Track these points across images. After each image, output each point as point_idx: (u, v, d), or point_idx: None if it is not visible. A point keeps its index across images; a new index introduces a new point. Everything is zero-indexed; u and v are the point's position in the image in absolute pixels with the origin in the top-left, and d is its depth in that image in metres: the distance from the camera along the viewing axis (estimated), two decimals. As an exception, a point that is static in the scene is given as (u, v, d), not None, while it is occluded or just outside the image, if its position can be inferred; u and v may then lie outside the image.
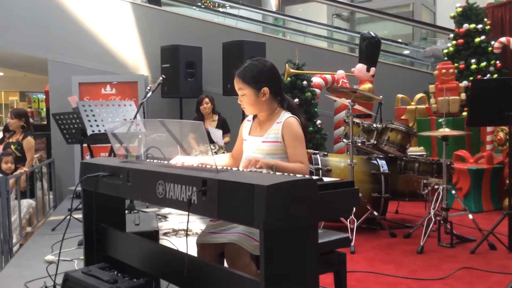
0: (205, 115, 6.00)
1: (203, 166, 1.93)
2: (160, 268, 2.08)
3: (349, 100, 4.31)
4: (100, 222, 2.41)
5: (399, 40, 10.81)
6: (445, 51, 7.17)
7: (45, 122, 9.71)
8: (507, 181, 4.12)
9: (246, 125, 2.43)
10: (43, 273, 2.91)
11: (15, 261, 3.60)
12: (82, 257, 2.51)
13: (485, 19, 6.95)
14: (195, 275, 1.80)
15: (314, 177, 1.59)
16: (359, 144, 4.61)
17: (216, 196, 1.55)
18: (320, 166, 4.46)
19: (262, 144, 2.25)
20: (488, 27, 6.88)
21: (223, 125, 6.00)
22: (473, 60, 6.71)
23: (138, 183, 1.99)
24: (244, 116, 6.38)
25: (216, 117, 6.03)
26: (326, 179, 1.65)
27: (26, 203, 5.12)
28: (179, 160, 2.10)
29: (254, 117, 2.41)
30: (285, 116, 2.25)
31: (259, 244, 1.47)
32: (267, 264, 1.44)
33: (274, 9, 12.59)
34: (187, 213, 1.64)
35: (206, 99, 5.99)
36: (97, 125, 4.12)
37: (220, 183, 1.55)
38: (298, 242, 1.50)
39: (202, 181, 1.60)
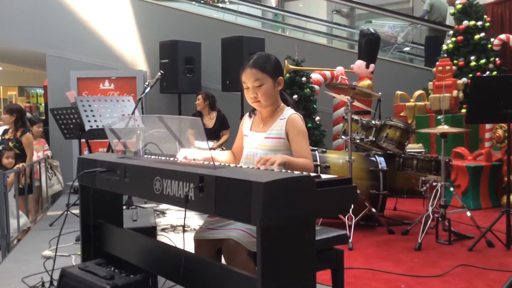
0: (202, 111, 5.99)
1: (203, 162, 1.92)
2: (157, 265, 2.08)
3: (348, 97, 4.30)
4: (97, 218, 2.41)
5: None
6: (445, 47, 7.16)
7: (44, 117, 9.70)
8: (506, 179, 4.12)
9: (246, 121, 2.40)
10: (41, 268, 2.91)
11: (12, 256, 3.59)
12: (80, 253, 2.51)
13: (485, 16, 6.93)
14: (192, 271, 1.79)
15: (312, 174, 1.59)
16: (358, 140, 4.60)
17: (213, 193, 1.54)
18: (318, 163, 4.45)
19: (265, 140, 2.24)
20: (487, 24, 6.86)
21: (221, 122, 5.99)
22: (472, 57, 6.70)
23: (135, 179, 1.98)
24: (243, 112, 6.40)
25: (214, 114, 6.02)
26: (324, 176, 1.65)
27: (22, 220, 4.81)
28: (184, 153, 2.06)
29: (254, 113, 2.40)
30: (289, 112, 2.24)
31: (256, 240, 1.46)
32: (265, 261, 1.43)
33: (273, 5, 12.51)
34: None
35: (199, 96, 5.99)
36: (95, 121, 4.11)
37: (217, 179, 1.54)
38: (296, 239, 1.49)
39: (199, 178, 1.60)
